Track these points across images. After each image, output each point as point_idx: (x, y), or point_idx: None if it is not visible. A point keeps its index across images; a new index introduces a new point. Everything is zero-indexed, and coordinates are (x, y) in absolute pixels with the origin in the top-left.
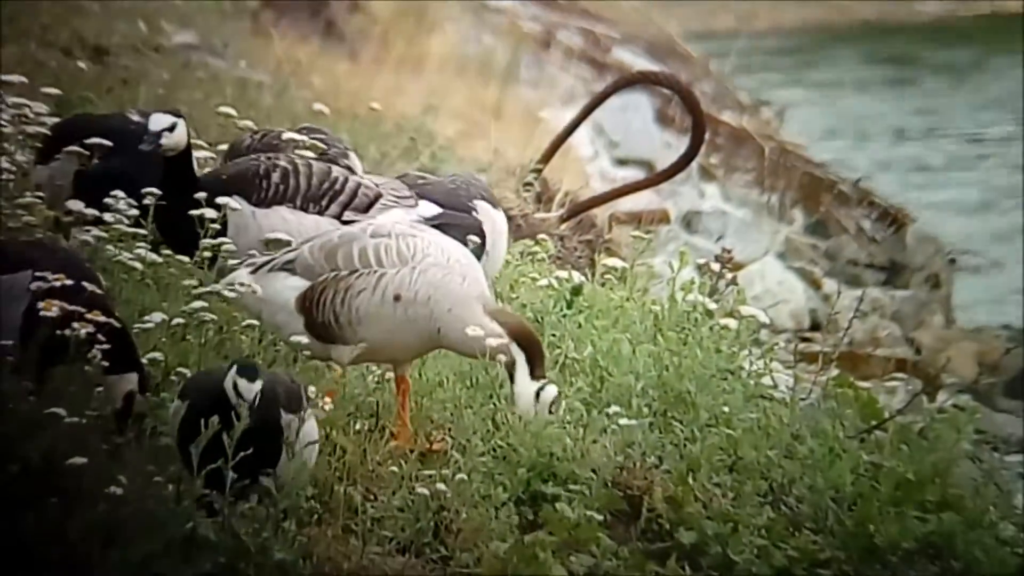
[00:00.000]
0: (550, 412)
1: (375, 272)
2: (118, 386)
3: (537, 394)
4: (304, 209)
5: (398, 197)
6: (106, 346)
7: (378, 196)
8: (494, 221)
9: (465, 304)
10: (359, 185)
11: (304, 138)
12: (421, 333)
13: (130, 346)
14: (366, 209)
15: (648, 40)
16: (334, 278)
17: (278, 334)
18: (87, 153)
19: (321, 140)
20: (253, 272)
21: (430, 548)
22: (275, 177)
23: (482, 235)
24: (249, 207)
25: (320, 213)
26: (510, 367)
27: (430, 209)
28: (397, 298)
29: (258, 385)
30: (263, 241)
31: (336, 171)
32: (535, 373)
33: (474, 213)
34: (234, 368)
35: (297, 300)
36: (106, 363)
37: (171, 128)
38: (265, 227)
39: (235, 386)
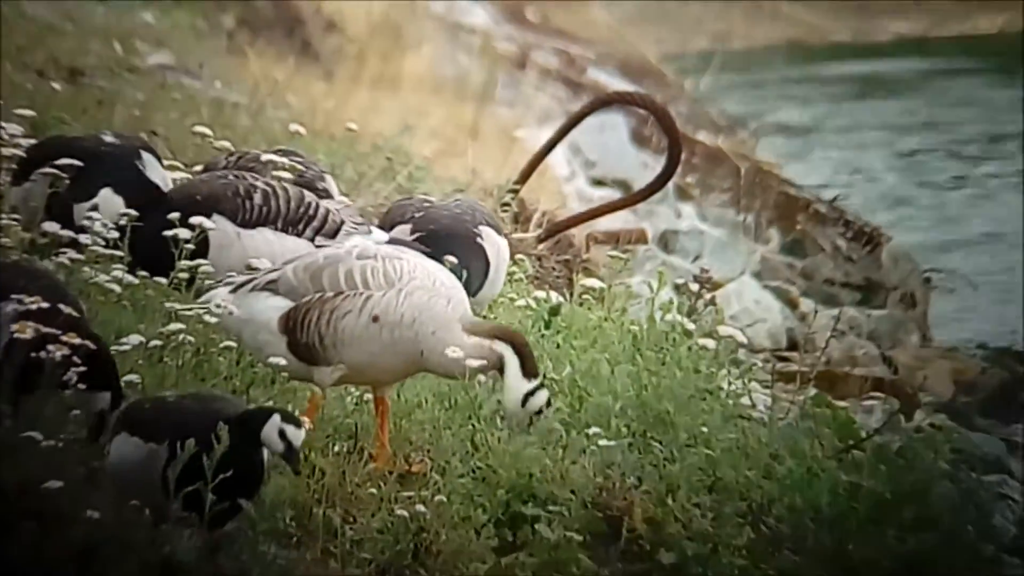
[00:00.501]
0: (532, 420)
1: (361, 294)
2: (90, 404)
3: (526, 397)
4: (285, 232)
5: (355, 224)
6: (82, 368)
7: (342, 222)
8: (498, 247)
9: (448, 327)
10: (328, 211)
11: (283, 160)
12: (405, 355)
13: (107, 365)
14: (334, 235)
15: (623, 60)
16: (319, 299)
17: (258, 355)
18: (62, 175)
19: (298, 162)
20: (233, 291)
21: (409, 570)
22: (257, 199)
23: (487, 262)
24: (233, 227)
25: (298, 236)
26: (499, 367)
27: (381, 236)
28: (375, 319)
29: (303, 432)
30: (247, 263)
31: (308, 196)
32: (526, 369)
33: (478, 239)
34: (276, 416)
35: (280, 320)
36: (82, 385)
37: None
38: (249, 248)
39: (282, 433)
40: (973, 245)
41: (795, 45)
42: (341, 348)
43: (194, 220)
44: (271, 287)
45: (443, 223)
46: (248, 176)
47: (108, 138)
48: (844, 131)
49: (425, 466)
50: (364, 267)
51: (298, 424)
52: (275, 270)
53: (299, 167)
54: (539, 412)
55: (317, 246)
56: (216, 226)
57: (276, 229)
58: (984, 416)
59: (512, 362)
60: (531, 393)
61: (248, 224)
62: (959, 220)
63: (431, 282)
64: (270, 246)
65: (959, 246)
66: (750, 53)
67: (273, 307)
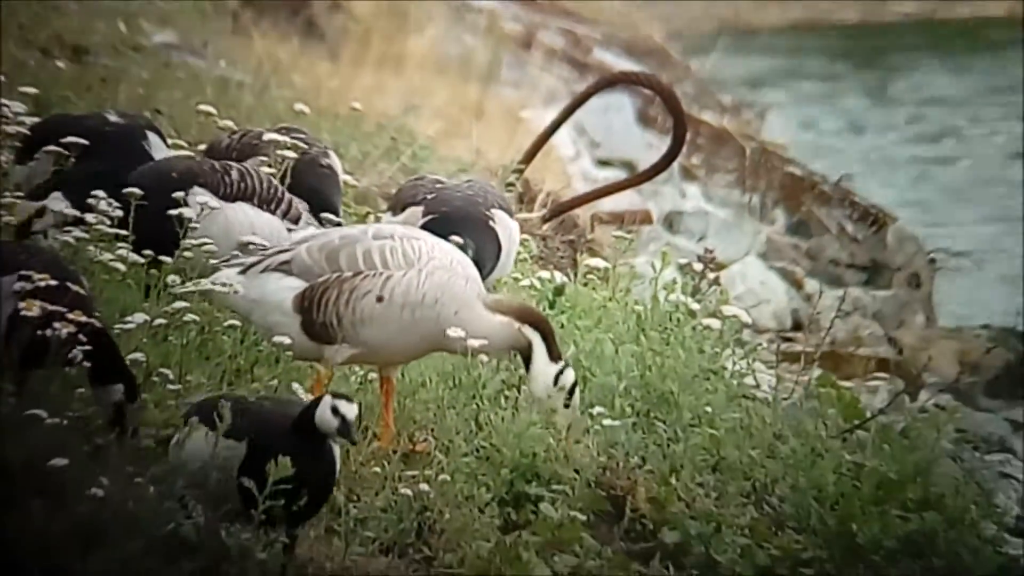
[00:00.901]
0: (568, 400)
1: (381, 274)
2: (105, 398)
3: (556, 377)
4: (260, 208)
5: (309, 218)
6: (88, 348)
7: (301, 213)
8: (510, 230)
9: (469, 306)
10: (291, 199)
11: (285, 138)
12: (425, 335)
13: (114, 355)
14: (296, 220)
15: (629, 41)
16: (337, 279)
17: (267, 335)
18: (65, 152)
19: (301, 140)
20: (243, 272)
21: (413, 549)
22: (234, 175)
23: (499, 244)
24: (215, 199)
25: (271, 215)
26: (525, 350)
27: (329, 219)
28: (379, 300)
29: (356, 407)
30: (241, 242)
31: (275, 181)
32: (552, 353)
33: (491, 222)
34: (327, 397)
35: (295, 300)
36: (91, 374)
37: None
38: (232, 219)
39: (335, 409)
40: (979, 225)
41: (803, 26)
42: (359, 328)
43: (177, 195)
44: (284, 268)
45: (455, 205)
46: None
47: (112, 117)
48: (850, 112)
49: (429, 445)
50: (382, 247)
51: (349, 399)
52: (287, 250)
53: (302, 144)
54: (572, 391)
55: (288, 229)
56: (200, 199)
57: (254, 205)
58: (989, 396)
59: (540, 347)
60: (560, 373)
61: (228, 197)
62: (963, 200)
63: (449, 262)
64: (249, 220)
65: (965, 226)
66: (757, 34)
67: (286, 287)
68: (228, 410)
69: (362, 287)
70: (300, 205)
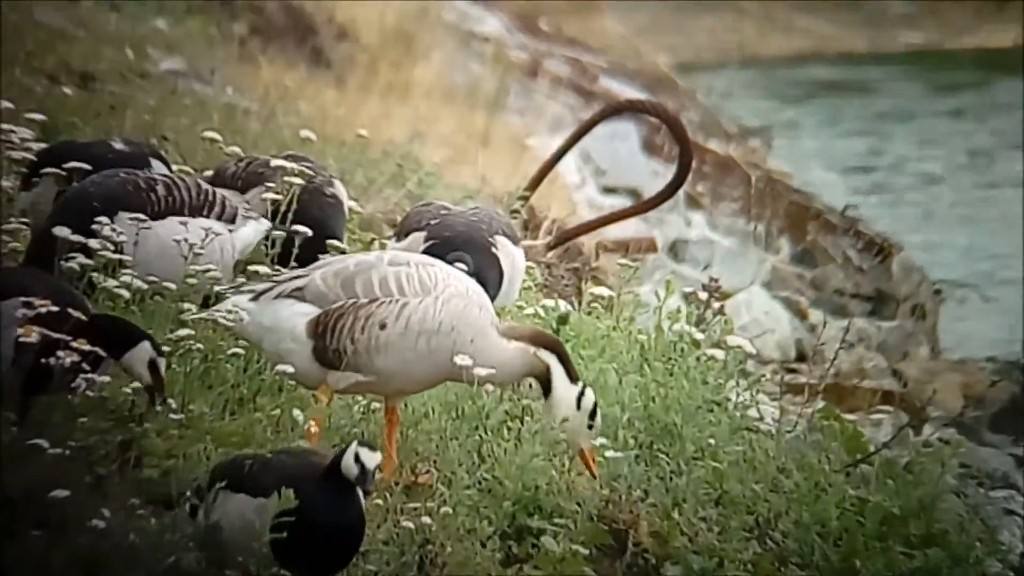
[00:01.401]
0: (590, 422)
1: (397, 301)
2: (135, 362)
3: (578, 400)
4: (192, 217)
5: (247, 211)
6: (99, 336)
7: (237, 209)
8: (513, 257)
9: (484, 334)
10: (224, 198)
11: (292, 165)
12: (440, 364)
13: (125, 323)
14: (232, 220)
15: (635, 69)
16: (353, 305)
17: (278, 361)
18: (65, 176)
19: (307, 167)
20: (254, 300)
21: None
22: (160, 190)
23: (500, 271)
24: (144, 220)
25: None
26: (543, 375)
27: (266, 221)
28: (383, 327)
29: (379, 456)
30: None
31: (203, 183)
32: (571, 375)
33: (493, 248)
34: (354, 443)
35: (308, 325)
36: (113, 351)
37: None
38: (164, 236)
39: (357, 457)
40: (984, 257)
41: (807, 56)
42: (374, 355)
43: (100, 220)
44: (297, 294)
45: (458, 230)
46: (137, 172)
47: (117, 145)
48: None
49: (431, 477)
50: (398, 273)
51: (372, 448)
52: (301, 276)
53: (308, 172)
54: (593, 412)
55: (228, 230)
56: (129, 225)
57: (184, 215)
58: (993, 431)
59: (558, 370)
60: (581, 394)
61: (158, 215)
62: (969, 231)
63: (465, 290)
64: (182, 232)
65: (970, 257)
66: (762, 64)
67: (299, 314)
68: (254, 469)
69: (378, 314)
70: (234, 202)
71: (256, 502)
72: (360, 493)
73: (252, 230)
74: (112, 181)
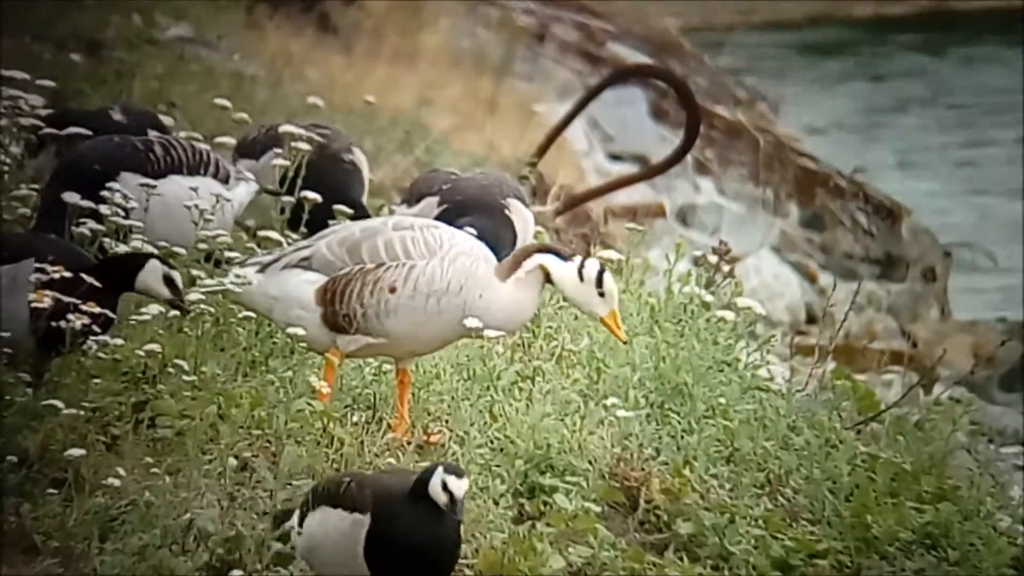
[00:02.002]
0: (600, 289)
1: (404, 264)
2: (150, 280)
3: (580, 273)
4: (191, 176)
5: (239, 174)
6: (108, 275)
7: (229, 171)
8: (525, 220)
9: (491, 286)
10: (218, 159)
11: (300, 131)
12: (450, 324)
13: (129, 255)
14: (226, 180)
15: (643, 34)
16: (360, 271)
17: (289, 329)
18: (66, 141)
19: (327, 135)
20: (261, 271)
21: None
22: (158, 150)
23: (514, 233)
24: (145, 180)
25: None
26: (546, 276)
27: (255, 184)
28: (392, 290)
29: (466, 482)
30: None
31: (198, 145)
32: (563, 256)
33: (506, 211)
34: (440, 468)
35: (317, 292)
36: (127, 283)
37: None
38: (168, 194)
39: (444, 485)
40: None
41: (818, 18)
42: (384, 319)
43: (110, 185)
44: (304, 264)
45: (470, 194)
46: (132, 136)
47: (116, 116)
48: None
49: (443, 436)
50: (404, 237)
51: (460, 474)
52: (307, 247)
53: (319, 139)
54: (600, 280)
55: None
56: (129, 184)
57: (183, 175)
58: (1003, 390)
59: (551, 260)
60: (581, 266)
61: (158, 174)
62: (976, 192)
63: (469, 247)
64: (185, 189)
65: (979, 218)
66: (774, 27)
67: (307, 281)
68: (351, 485)
69: (386, 278)
70: (226, 164)
71: (351, 517)
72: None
73: (244, 191)
74: (110, 144)
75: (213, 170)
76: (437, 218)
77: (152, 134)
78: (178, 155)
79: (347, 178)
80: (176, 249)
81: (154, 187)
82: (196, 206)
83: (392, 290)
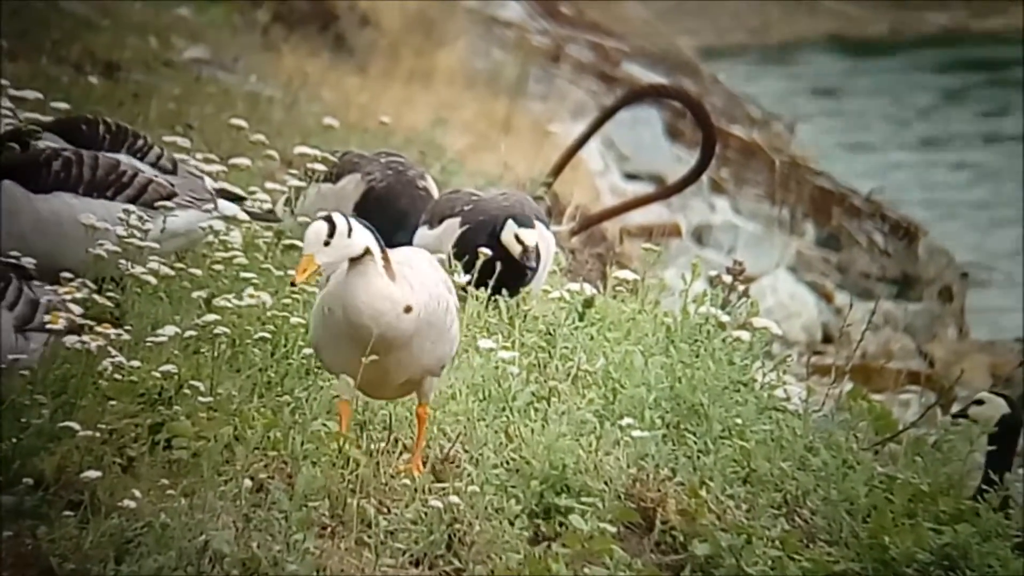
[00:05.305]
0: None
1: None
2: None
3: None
4: (89, 196)
5: (195, 198)
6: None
7: (172, 194)
8: (548, 241)
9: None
10: (150, 181)
11: (315, 152)
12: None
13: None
14: (152, 204)
15: (658, 54)
16: None
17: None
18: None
19: (402, 162)
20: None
21: (443, 560)
22: (56, 165)
23: (537, 254)
24: (22, 192)
25: (107, 200)
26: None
27: (231, 208)
28: (408, 310)
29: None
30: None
31: (125, 166)
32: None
33: None
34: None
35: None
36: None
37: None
38: (43, 211)
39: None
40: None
41: (833, 39)
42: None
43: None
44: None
45: (492, 215)
46: (69, 149)
47: (84, 127)
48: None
49: (459, 457)
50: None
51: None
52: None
53: (397, 164)
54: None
55: (153, 210)
56: (8, 193)
57: (78, 194)
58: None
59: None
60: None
61: (43, 189)
62: (995, 212)
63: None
64: (70, 209)
65: (999, 239)
66: (787, 47)
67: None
68: None
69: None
70: (179, 186)
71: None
72: None
73: (184, 219)
74: (26, 153)
75: (133, 192)
76: (458, 239)
77: (87, 152)
78: (79, 171)
79: (421, 203)
80: (25, 261)
81: (29, 199)
82: (91, 226)
83: (408, 309)
